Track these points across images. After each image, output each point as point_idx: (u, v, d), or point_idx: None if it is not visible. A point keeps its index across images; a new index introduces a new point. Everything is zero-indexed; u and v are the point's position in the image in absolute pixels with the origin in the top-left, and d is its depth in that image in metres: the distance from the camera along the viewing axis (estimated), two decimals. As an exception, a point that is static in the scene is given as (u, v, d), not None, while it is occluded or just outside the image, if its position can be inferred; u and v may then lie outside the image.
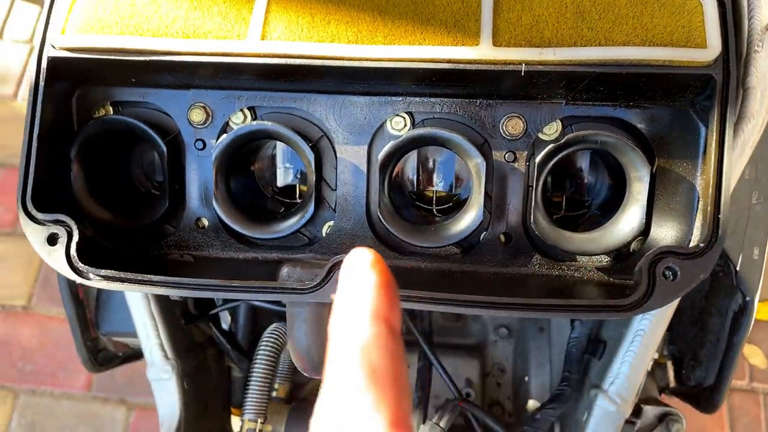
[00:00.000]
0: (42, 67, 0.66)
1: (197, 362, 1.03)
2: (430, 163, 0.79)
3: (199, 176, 0.74)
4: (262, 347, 0.96)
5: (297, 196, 0.83)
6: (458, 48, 0.63)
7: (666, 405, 1.10)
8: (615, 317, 0.58)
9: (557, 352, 1.15)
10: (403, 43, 0.64)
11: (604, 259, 0.72)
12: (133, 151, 0.81)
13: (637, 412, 1.03)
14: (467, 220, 0.70)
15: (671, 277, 0.57)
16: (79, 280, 0.61)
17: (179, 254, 0.74)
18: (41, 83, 0.66)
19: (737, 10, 0.64)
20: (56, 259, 0.61)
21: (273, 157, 0.82)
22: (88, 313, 1.16)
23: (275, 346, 0.97)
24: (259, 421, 0.94)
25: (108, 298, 1.15)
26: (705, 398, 1.12)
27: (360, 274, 0.35)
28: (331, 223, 0.74)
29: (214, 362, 1.10)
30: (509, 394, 1.24)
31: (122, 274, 0.61)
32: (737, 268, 0.96)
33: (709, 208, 0.60)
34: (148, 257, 0.75)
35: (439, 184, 0.80)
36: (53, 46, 0.67)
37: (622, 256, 0.72)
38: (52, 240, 0.62)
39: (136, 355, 1.28)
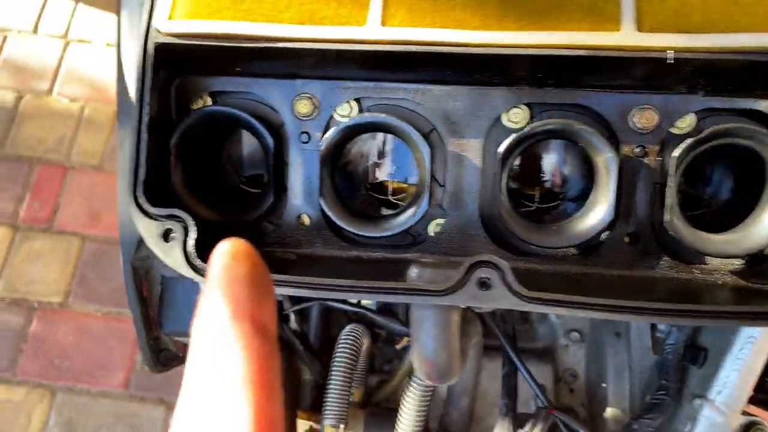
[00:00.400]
0: (148, 53, 0.63)
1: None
2: (537, 157, 0.75)
3: (303, 171, 0.70)
4: (340, 350, 0.92)
5: (389, 192, 0.80)
6: (597, 34, 0.59)
7: (750, 414, 1.05)
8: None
9: (637, 359, 1.10)
10: (535, 29, 0.60)
11: (737, 262, 0.68)
12: (225, 144, 0.77)
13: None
14: (594, 218, 0.65)
15: (843, 283, 0.52)
16: (197, 278, 0.57)
17: (281, 252, 0.71)
18: (148, 70, 0.63)
19: None
20: (173, 256, 0.57)
21: (367, 152, 0.78)
22: (151, 312, 1.14)
23: (354, 348, 0.93)
24: (341, 426, 0.90)
25: (173, 297, 1.11)
26: (794, 408, 1.07)
27: (223, 268, 0.32)
28: (440, 221, 0.70)
29: (283, 363, 1.06)
30: (583, 401, 1.19)
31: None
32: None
33: None
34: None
35: (543, 180, 0.76)
36: (159, 32, 0.64)
37: (757, 258, 0.67)
38: (166, 236, 0.59)
39: (195, 355, 1.25)
